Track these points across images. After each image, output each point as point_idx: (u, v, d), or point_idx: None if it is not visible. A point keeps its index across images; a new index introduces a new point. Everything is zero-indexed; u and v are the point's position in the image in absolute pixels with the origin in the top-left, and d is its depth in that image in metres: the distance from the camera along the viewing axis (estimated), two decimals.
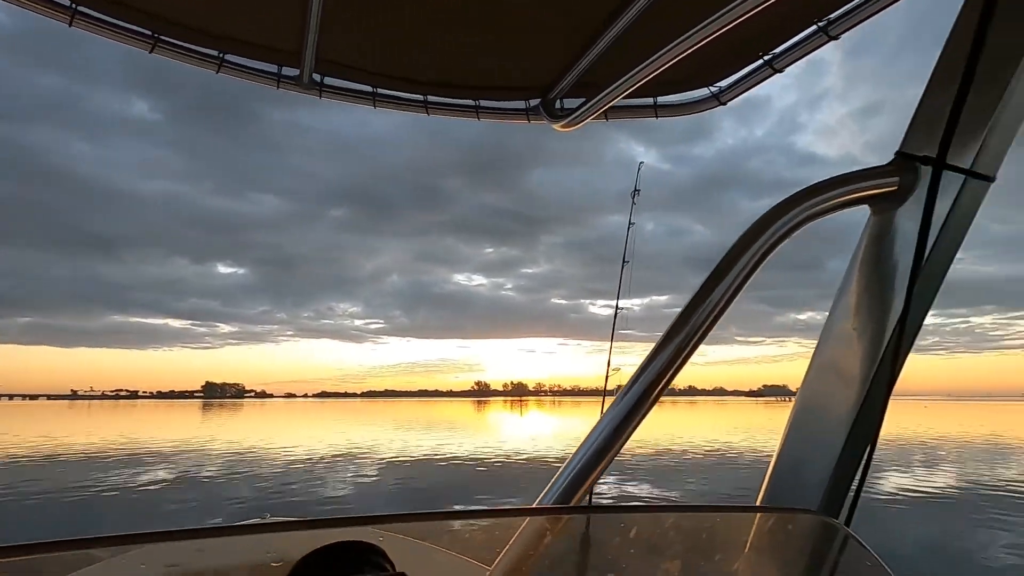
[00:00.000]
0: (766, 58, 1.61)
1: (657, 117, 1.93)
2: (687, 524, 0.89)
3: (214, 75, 1.84)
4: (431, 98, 2.05)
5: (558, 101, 1.96)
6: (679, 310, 0.89)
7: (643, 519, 0.91)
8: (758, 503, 1.07)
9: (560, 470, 0.87)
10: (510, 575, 0.79)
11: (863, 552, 0.72)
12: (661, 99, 1.91)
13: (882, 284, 1.02)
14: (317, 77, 1.94)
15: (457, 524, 0.85)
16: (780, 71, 1.62)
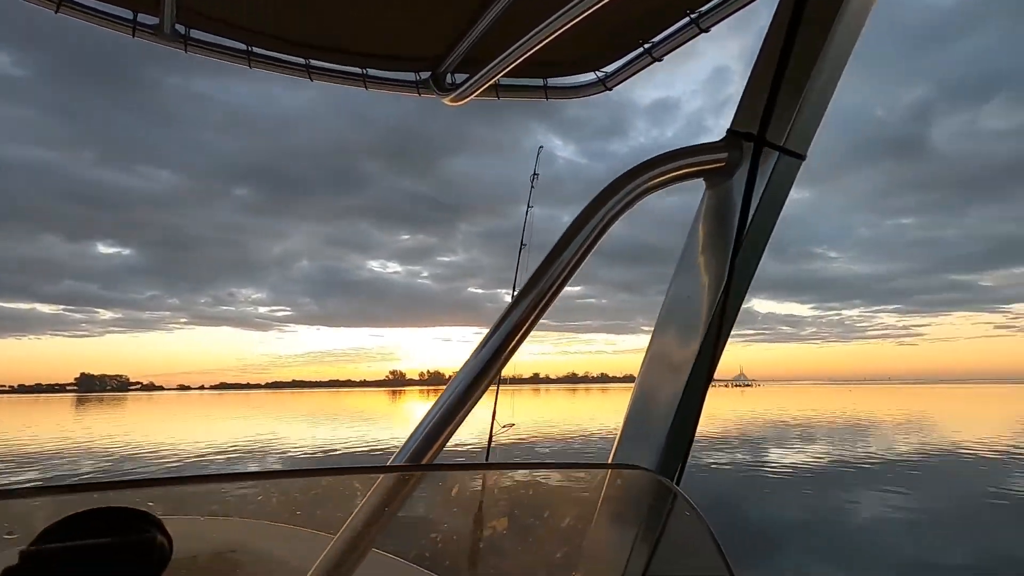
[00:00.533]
0: (646, 46, 1.67)
1: (547, 98, 1.94)
2: (535, 479, 0.95)
3: (91, 28, 1.62)
4: (315, 62, 1.93)
5: (448, 75, 1.92)
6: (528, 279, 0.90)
7: (493, 476, 0.95)
8: (609, 462, 1.14)
9: (412, 431, 0.85)
10: (356, 539, 0.78)
11: (686, 505, 0.80)
12: (551, 81, 1.93)
13: (711, 259, 1.08)
14: (181, 28, 1.76)
15: (293, 486, 0.80)
16: (659, 59, 1.69)
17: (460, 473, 0.96)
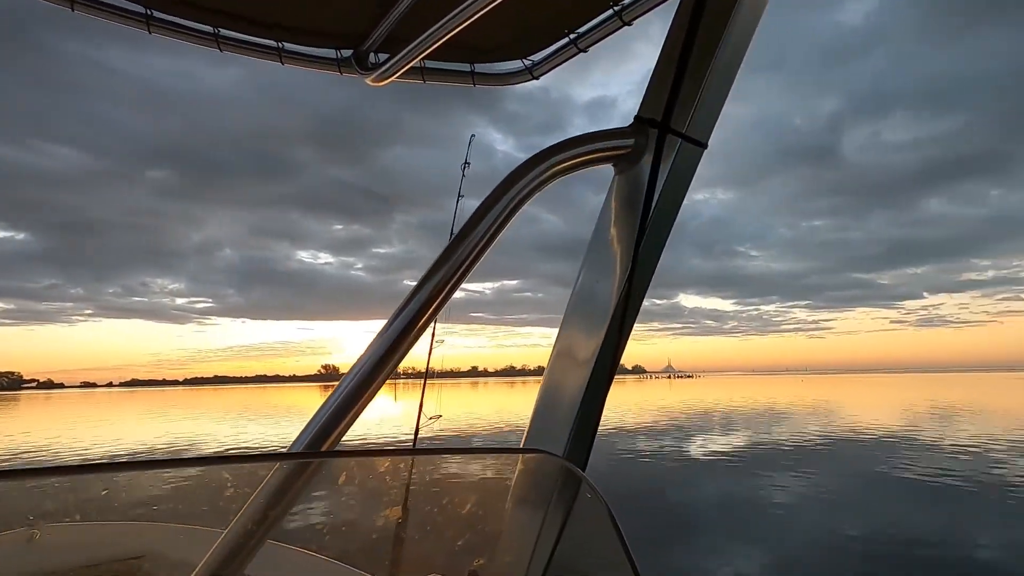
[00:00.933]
0: (571, 36, 1.68)
1: (474, 84, 1.91)
2: (446, 465, 0.94)
3: None
4: (225, 32, 1.80)
5: (372, 54, 1.84)
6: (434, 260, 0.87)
7: (401, 462, 0.92)
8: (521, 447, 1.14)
9: (310, 418, 0.81)
10: (249, 531, 0.74)
11: (590, 489, 0.82)
12: (478, 67, 1.90)
13: (616, 247, 1.09)
14: None
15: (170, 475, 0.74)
16: (584, 51, 1.70)
17: (365, 460, 0.92)
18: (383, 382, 0.81)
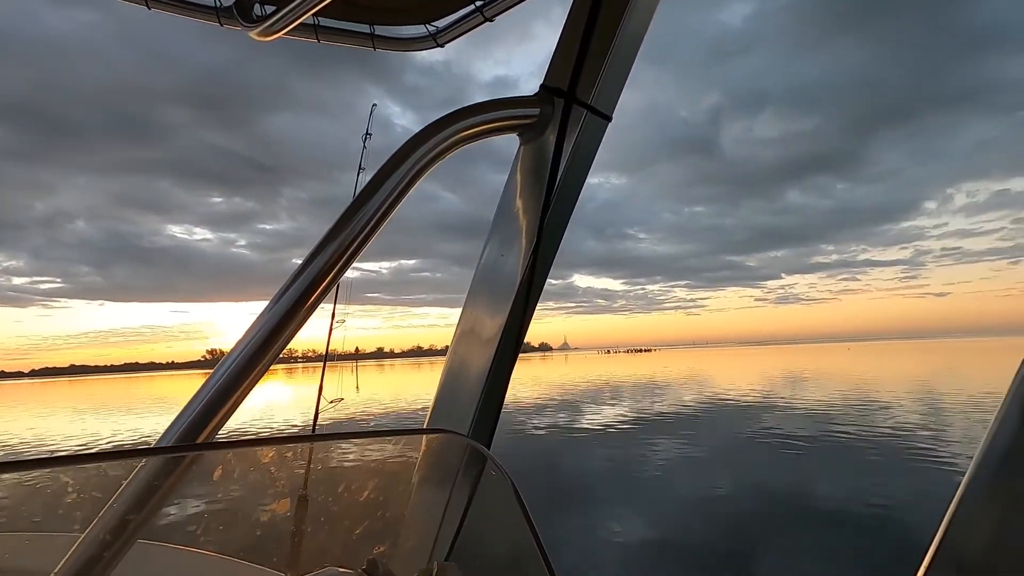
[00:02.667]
0: (478, 3, 1.62)
1: (375, 48, 1.79)
2: (347, 450, 0.89)
3: None
4: None
5: (257, 4, 1.66)
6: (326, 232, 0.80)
7: (291, 449, 0.86)
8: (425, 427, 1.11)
9: (184, 406, 0.72)
10: (114, 531, 0.68)
11: (495, 467, 0.81)
12: (379, 29, 1.78)
13: (522, 220, 1.06)
14: None
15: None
16: (491, 20, 1.65)
17: (252, 450, 0.84)
18: (267, 367, 0.74)
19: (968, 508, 0.53)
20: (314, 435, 1.00)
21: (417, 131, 0.87)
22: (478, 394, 0.99)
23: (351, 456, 0.87)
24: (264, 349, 0.72)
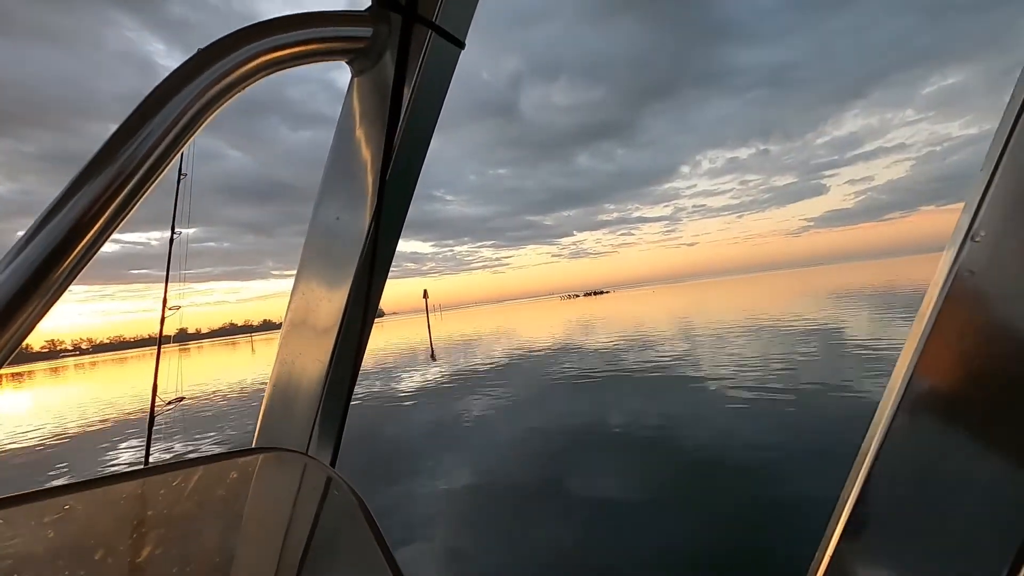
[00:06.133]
0: None
1: None
2: (159, 485, 0.73)
3: None
4: None
5: None
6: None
7: (95, 496, 0.63)
8: (253, 446, 0.91)
9: None
10: None
11: (342, 485, 0.70)
12: None
13: (361, 168, 0.86)
14: None
15: None
16: None
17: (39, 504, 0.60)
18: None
19: (882, 464, 0.56)
20: (109, 476, 0.75)
21: (196, 51, 0.58)
22: (318, 396, 0.82)
23: (169, 491, 0.70)
24: None
